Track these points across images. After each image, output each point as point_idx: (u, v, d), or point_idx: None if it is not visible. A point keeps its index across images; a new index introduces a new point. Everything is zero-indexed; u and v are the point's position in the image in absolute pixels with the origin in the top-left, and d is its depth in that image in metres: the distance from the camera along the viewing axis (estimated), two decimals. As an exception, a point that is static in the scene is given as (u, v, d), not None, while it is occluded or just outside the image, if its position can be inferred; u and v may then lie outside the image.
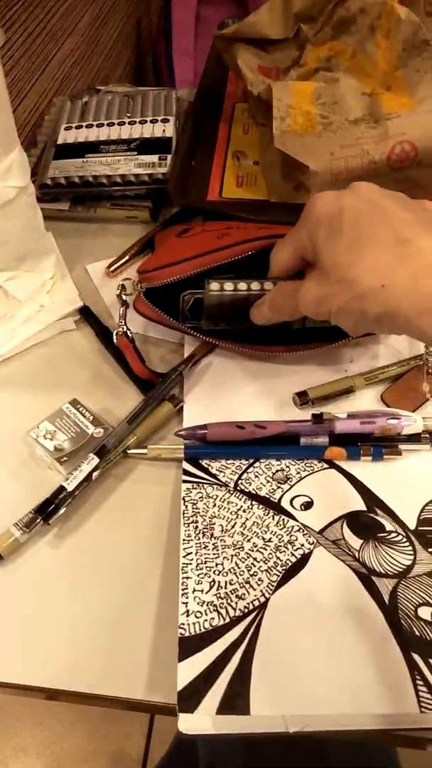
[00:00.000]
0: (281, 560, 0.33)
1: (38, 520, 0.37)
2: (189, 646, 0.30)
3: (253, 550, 0.34)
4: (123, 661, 0.33)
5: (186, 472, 0.38)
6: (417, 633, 0.30)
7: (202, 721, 0.28)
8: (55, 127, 0.64)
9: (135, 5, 1.03)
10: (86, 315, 0.49)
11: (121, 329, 0.46)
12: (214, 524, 0.35)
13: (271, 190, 0.52)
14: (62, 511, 0.37)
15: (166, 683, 0.31)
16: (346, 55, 0.56)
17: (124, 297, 0.47)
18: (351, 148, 0.48)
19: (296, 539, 0.34)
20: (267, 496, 0.36)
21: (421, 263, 0.30)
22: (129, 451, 0.40)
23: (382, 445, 0.38)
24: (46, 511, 0.37)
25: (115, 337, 0.46)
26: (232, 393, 0.42)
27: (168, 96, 0.65)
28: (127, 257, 0.54)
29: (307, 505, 0.36)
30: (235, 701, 0.28)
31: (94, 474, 0.38)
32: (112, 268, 0.53)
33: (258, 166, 0.56)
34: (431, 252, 0.30)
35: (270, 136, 0.50)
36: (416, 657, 0.30)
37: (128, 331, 0.46)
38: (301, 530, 0.35)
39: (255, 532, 0.35)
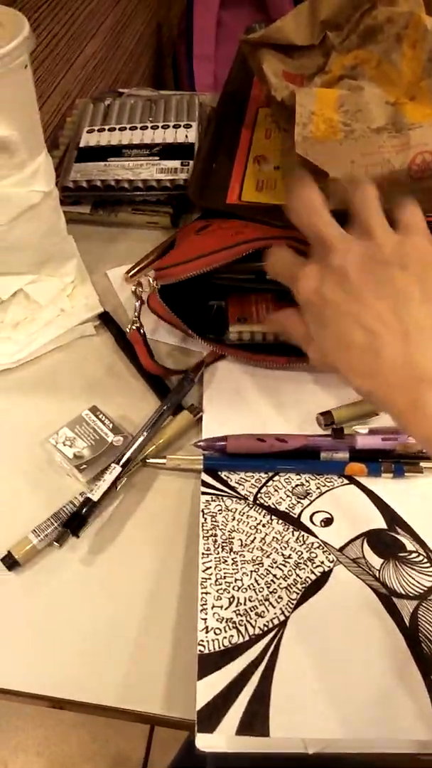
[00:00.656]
0: (301, 578, 0.33)
1: (68, 534, 0.36)
2: (208, 663, 0.29)
3: (272, 567, 0.33)
4: (138, 674, 0.32)
5: (205, 484, 0.37)
6: (439, 657, 0.30)
7: (220, 739, 0.27)
8: (78, 130, 0.63)
9: (156, 9, 1.02)
10: (106, 320, 0.49)
11: (134, 324, 0.45)
12: (233, 538, 0.34)
13: None
14: (89, 524, 0.37)
15: (182, 698, 0.31)
16: (371, 64, 0.55)
17: (139, 292, 0.46)
18: (372, 157, 0.47)
19: (316, 556, 0.33)
20: (287, 511, 0.36)
21: (394, 373, 0.29)
22: (148, 461, 0.39)
23: (403, 461, 0.37)
24: (74, 523, 0.36)
25: (128, 331, 0.45)
26: (253, 403, 0.41)
27: (191, 101, 0.65)
28: (145, 263, 0.53)
29: (327, 522, 0.35)
30: (255, 722, 0.27)
31: (119, 484, 0.38)
32: (130, 274, 0.52)
33: (279, 170, 0.55)
34: (396, 360, 0.29)
35: (291, 142, 0.49)
36: (438, 682, 0.29)
37: (141, 328, 0.45)
38: (320, 547, 0.34)
39: (274, 547, 0.34)
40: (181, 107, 0.64)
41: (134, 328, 0.44)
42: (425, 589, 0.32)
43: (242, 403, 0.41)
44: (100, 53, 0.81)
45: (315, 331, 0.33)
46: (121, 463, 0.38)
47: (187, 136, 0.60)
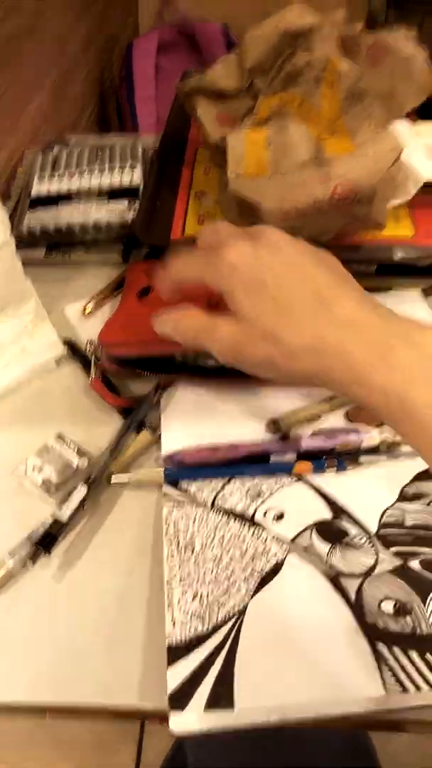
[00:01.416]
0: (257, 568, 0.37)
1: (40, 552, 0.40)
2: (176, 653, 0.33)
3: (231, 561, 0.37)
4: (113, 673, 0.36)
5: (166, 495, 0.42)
6: (381, 625, 0.34)
7: (191, 719, 0.31)
8: (28, 179, 0.69)
9: (98, 58, 1.11)
10: (72, 350, 0.54)
11: (92, 375, 0.50)
12: (194, 541, 0.39)
13: None
14: (60, 541, 0.41)
15: (156, 690, 0.34)
16: (294, 104, 0.62)
17: (93, 349, 0.51)
18: (298, 189, 0.53)
19: (270, 548, 0.38)
20: (242, 511, 0.40)
21: (345, 328, 0.31)
22: (113, 479, 0.44)
23: (344, 457, 0.42)
24: (46, 542, 0.40)
25: (89, 382, 0.50)
26: (207, 417, 0.46)
27: (134, 145, 0.71)
28: (100, 298, 0.58)
29: (279, 517, 0.40)
30: (221, 698, 0.31)
31: (85, 503, 0.42)
32: (87, 310, 0.57)
33: (218, 204, 0.61)
34: (352, 315, 0.32)
35: (227, 178, 0.55)
36: (381, 647, 0.33)
37: (100, 377, 0.50)
38: (274, 539, 0.38)
39: (233, 543, 0.38)
40: (125, 151, 0.71)
41: (95, 378, 0.49)
42: (368, 566, 0.37)
43: (197, 420, 0.46)
44: (47, 104, 0.88)
45: (241, 298, 0.33)
46: (86, 483, 0.43)
47: (132, 178, 0.66)
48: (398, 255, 0.53)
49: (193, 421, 0.46)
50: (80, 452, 0.45)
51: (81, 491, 0.42)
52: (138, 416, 0.46)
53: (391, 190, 0.55)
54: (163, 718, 0.34)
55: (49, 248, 0.64)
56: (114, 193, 0.65)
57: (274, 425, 0.45)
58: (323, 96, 0.62)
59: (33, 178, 0.68)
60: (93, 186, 0.66)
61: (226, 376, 0.48)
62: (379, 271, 0.54)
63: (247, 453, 0.43)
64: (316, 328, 0.32)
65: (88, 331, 0.56)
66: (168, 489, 0.42)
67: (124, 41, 1.25)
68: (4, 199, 0.70)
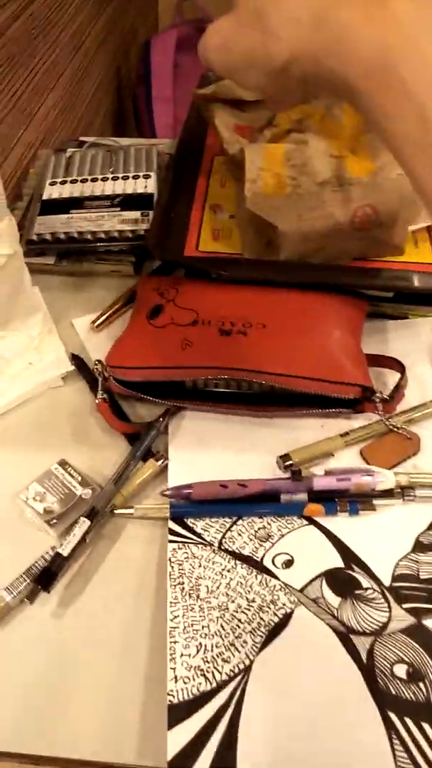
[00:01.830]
0: (264, 620, 0.34)
1: (39, 590, 0.37)
2: (178, 713, 0.30)
3: (237, 611, 0.34)
4: (110, 725, 0.33)
5: (172, 532, 0.39)
6: (393, 691, 0.31)
7: (192, 789, 0.28)
8: (41, 182, 0.65)
9: (115, 55, 1.05)
10: (79, 367, 0.50)
11: (99, 396, 0.46)
12: (200, 585, 0.36)
13: (244, 245, 0.54)
14: (60, 578, 0.38)
15: (154, 746, 0.31)
16: (315, 118, 0.58)
17: (101, 369, 0.47)
18: (317, 210, 0.49)
19: (278, 599, 0.35)
20: (250, 554, 0.37)
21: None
22: (116, 511, 0.41)
23: (358, 500, 0.39)
24: (45, 579, 0.37)
25: (96, 403, 0.46)
26: (216, 450, 0.43)
27: (149, 151, 0.67)
28: (110, 312, 0.54)
29: (288, 563, 0.37)
30: (223, 768, 0.29)
31: (87, 537, 0.39)
32: (96, 324, 0.54)
33: (233, 219, 0.57)
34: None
35: (244, 193, 0.52)
36: (392, 715, 0.30)
37: (106, 399, 0.46)
38: (282, 589, 0.35)
39: (239, 592, 0.35)
40: (140, 157, 0.66)
41: (101, 399, 0.45)
42: (380, 624, 0.34)
43: (206, 450, 0.43)
44: (61, 103, 0.83)
45: None
46: (89, 516, 0.39)
47: (146, 187, 0.62)
48: (416, 282, 0.49)
49: (201, 453, 0.43)
50: (84, 482, 0.42)
51: (83, 525, 0.39)
52: (144, 444, 0.43)
53: (413, 214, 0.51)
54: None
55: (59, 256, 0.60)
56: (127, 202, 0.61)
57: (285, 459, 0.42)
58: (345, 111, 0.58)
59: (45, 181, 0.64)
60: (106, 193, 0.62)
61: (235, 402, 0.45)
62: (396, 298, 0.50)
63: (258, 491, 0.39)
64: (300, 7, 0.26)
65: (97, 345, 0.52)
66: (173, 525, 0.39)
67: (142, 37, 1.19)
68: (15, 200, 0.66)
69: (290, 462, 0.41)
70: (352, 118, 0.56)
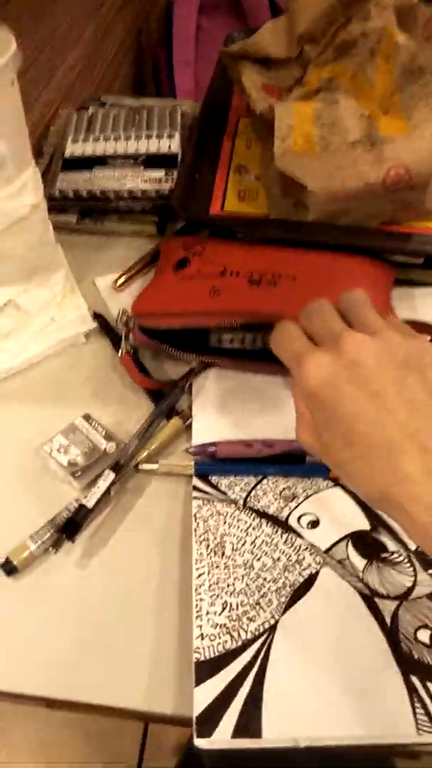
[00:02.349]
0: (290, 580, 0.32)
1: (63, 540, 0.35)
2: (204, 670, 0.28)
3: (263, 570, 0.32)
4: (128, 673, 0.31)
5: (196, 488, 0.36)
6: (416, 656, 0.29)
7: (217, 744, 0.26)
8: (62, 139, 0.60)
9: (136, 16, 0.98)
10: (102, 325, 0.47)
11: (124, 349, 0.43)
12: (224, 543, 0.33)
13: (270, 206, 0.50)
14: (84, 528, 0.35)
15: (172, 694, 0.30)
16: (346, 77, 0.53)
17: (125, 319, 0.44)
18: (348, 170, 0.45)
19: (304, 558, 0.33)
20: (275, 514, 0.35)
21: (407, 484, 0.24)
22: (141, 466, 0.38)
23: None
24: (70, 529, 0.35)
25: (119, 355, 0.43)
26: (240, 409, 0.40)
27: (173, 111, 0.62)
28: (133, 272, 0.51)
29: (314, 524, 0.34)
30: (249, 725, 0.27)
31: (112, 490, 0.36)
32: (118, 283, 0.50)
33: (259, 181, 0.53)
34: (416, 470, 0.24)
35: (271, 153, 0.48)
36: (415, 680, 0.28)
37: (131, 352, 0.43)
38: (308, 549, 0.33)
39: (264, 550, 0.33)
40: (164, 117, 0.62)
41: (125, 352, 0.42)
42: (406, 589, 0.32)
43: (230, 409, 0.40)
44: (82, 62, 0.78)
45: (321, 423, 0.27)
46: (114, 469, 0.37)
47: (170, 146, 0.58)
48: (449, 248, 0.46)
49: (225, 412, 0.40)
50: (108, 436, 0.40)
51: (108, 478, 0.37)
52: (168, 402, 0.40)
53: (447, 177, 0.47)
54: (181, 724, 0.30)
55: (82, 214, 0.56)
56: (151, 161, 0.56)
57: None
58: (378, 70, 0.53)
59: (67, 139, 0.60)
60: (129, 152, 0.58)
61: (261, 360, 0.42)
62: (426, 264, 0.47)
63: (283, 451, 0.37)
64: (382, 482, 0.25)
65: (119, 305, 0.49)
66: (198, 482, 0.37)
67: None
68: (36, 157, 0.61)
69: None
70: (385, 77, 0.51)
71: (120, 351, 0.43)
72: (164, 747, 0.85)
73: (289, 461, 0.37)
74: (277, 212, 0.49)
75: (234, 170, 0.53)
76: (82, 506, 0.36)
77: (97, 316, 0.47)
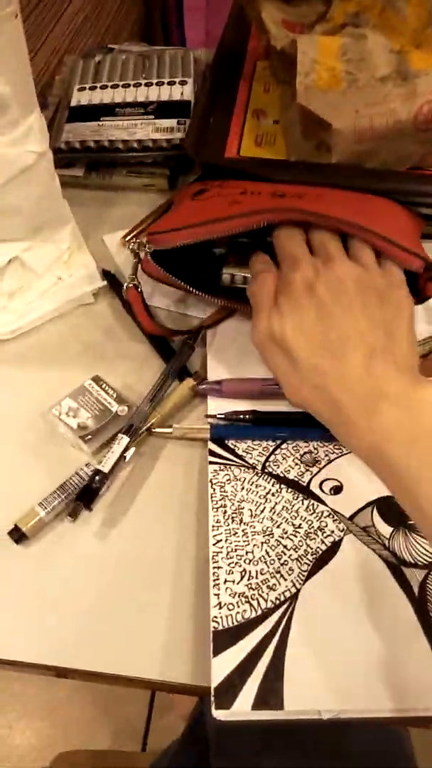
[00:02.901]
0: (311, 548, 0.30)
1: (81, 507, 0.33)
2: (223, 639, 0.27)
3: (283, 537, 0.31)
4: (143, 642, 0.30)
5: (212, 453, 0.34)
6: (449, 626, 0.28)
7: (236, 715, 0.25)
8: (68, 88, 0.57)
9: (145, -42, 0.92)
10: (111, 282, 0.45)
11: (131, 282, 0.40)
12: (242, 509, 0.32)
13: (290, 150, 0.47)
14: (102, 495, 0.34)
15: (181, 663, 0.29)
16: (374, 11, 0.49)
17: (137, 250, 0.41)
18: (377, 107, 0.42)
19: (326, 525, 0.31)
20: (296, 479, 0.33)
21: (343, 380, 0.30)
22: (155, 430, 0.36)
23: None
24: (86, 496, 0.33)
25: (124, 290, 0.41)
26: (256, 365, 0.38)
27: (185, 57, 0.58)
28: (142, 227, 0.48)
29: (337, 490, 0.32)
30: (269, 697, 0.25)
31: (127, 454, 0.35)
32: (127, 239, 0.48)
33: (278, 125, 0.50)
34: (358, 368, 0.30)
35: (292, 94, 0.44)
36: (448, 650, 0.27)
37: (138, 286, 0.41)
38: (330, 516, 0.31)
39: (284, 517, 0.31)
40: (176, 63, 0.58)
41: (131, 286, 0.40)
42: (435, 557, 0.30)
43: (246, 366, 0.38)
44: (88, 6, 0.73)
45: (286, 310, 0.32)
46: (127, 432, 0.35)
47: (182, 93, 0.54)
48: None
49: (241, 369, 0.38)
50: (119, 399, 0.38)
51: (122, 442, 0.35)
52: (180, 359, 0.38)
53: None
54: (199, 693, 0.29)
55: (89, 168, 0.53)
56: (162, 110, 0.53)
57: None
58: (409, 2, 0.48)
59: (73, 88, 0.56)
60: (139, 100, 0.54)
61: None
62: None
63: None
64: (323, 374, 0.30)
65: (128, 262, 0.46)
66: (214, 447, 0.35)
67: None
68: (41, 108, 0.58)
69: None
70: (417, 10, 0.47)
71: (125, 286, 0.40)
72: (171, 706, 0.86)
73: (309, 425, 0.35)
74: (298, 155, 0.46)
75: (251, 114, 0.50)
76: (97, 471, 0.34)
77: (107, 274, 0.45)
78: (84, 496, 0.34)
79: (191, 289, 0.38)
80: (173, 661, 0.29)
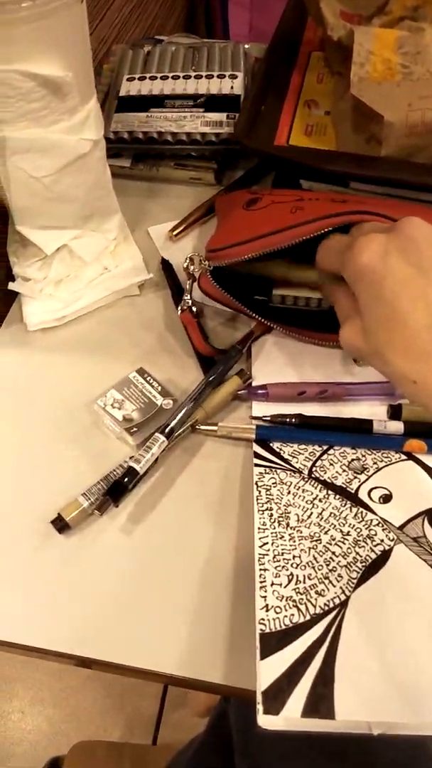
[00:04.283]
0: (361, 556, 0.30)
1: (109, 502, 0.33)
2: (270, 643, 0.27)
3: (331, 543, 0.30)
4: (166, 638, 0.30)
5: (257, 455, 0.34)
6: None
7: (284, 722, 0.25)
8: (116, 78, 0.57)
9: None
10: (166, 272, 0.44)
11: (185, 304, 0.40)
12: (289, 513, 0.31)
13: (340, 141, 0.46)
14: (130, 493, 0.34)
15: (234, 668, 0.28)
16: (436, 6, 0.48)
17: (191, 270, 0.41)
18: (430, 100, 0.41)
19: (375, 534, 0.30)
20: (343, 485, 0.32)
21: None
22: (199, 427, 0.36)
23: (465, 439, 0.33)
24: (115, 492, 0.33)
25: (179, 311, 0.41)
26: (301, 376, 0.37)
27: (236, 50, 0.57)
28: (191, 220, 0.48)
29: (386, 498, 0.32)
30: (320, 704, 0.25)
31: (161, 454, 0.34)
32: (175, 232, 0.47)
33: (329, 116, 0.49)
34: None
35: (345, 86, 0.43)
36: None
37: (193, 307, 0.41)
38: (380, 525, 0.31)
39: (332, 523, 0.31)
40: (226, 56, 0.57)
41: (186, 309, 0.39)
42: None
43: (290, 370, 0.38)
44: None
45: (365, 304, 0.28)
46: (165, 432, 0.35)
47: (232, 87, 0.53)
48: None
49: (286, 378, 0.37)
50: (164, 392, 0.37)
51: (161, 444, 0.34)
52: (222, 370, 0.38)
53: None
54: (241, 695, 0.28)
55: (136, 159, 0.53)
56: (211, 103, 0.52)
57: (393, 411, 0.36)
58: (473, 0, 0.47)
59: (122, 77, 0.56)
60: (188, 92, 0.53)
61: (324, 331, 0.39)
62: None
63: (335, 396, 0.34)
64: (420, 358, 0.26)
65: (174, 255, 0.46)
66: (258, 448, 0.34)
67: None
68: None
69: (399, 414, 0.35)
70: None
71: (180, 307, 0.40)
72: (184, 701, 0.86)
73: (356, 431, 0.34)
74: (347, 148, 0.45)
75: (302, 104, 0.49)
76: (131, 470, 0.34)
77: (164, 262, 0.44)
78: (113, 491, 0.33)
79: (247, 310, 0.37)
80: (202, 660, 0.29)
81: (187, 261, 0.41)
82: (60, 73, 0.33)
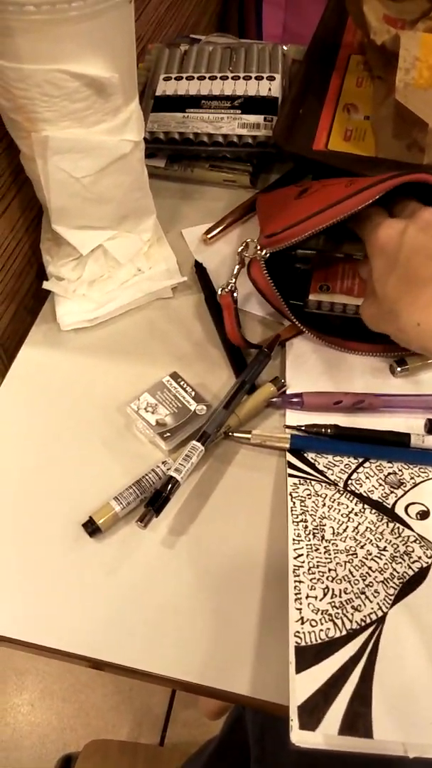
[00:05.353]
0: (398, 572, 0.29)
1: (151, 513, 0.33)
2: (306, 657, 0.26)
3: (367, 558, 0.30)
4: (191, 647, 0.30)
5: (291, 465, 0.34)
6: None
7: (319, 739, 0.25)
8: (153, 77, 0.57)
9: None
10: (200, 274, 0.44)
11: (229, 287, 0.39)
12: (324, 526, 0.31)
13: (380, 147, 0.45)
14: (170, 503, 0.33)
15: (265, 680, 0.28)
16: None
17: (243, 255, 0.40)
18: None
19: (413, 551, 0.30)
20: (380, 500, 0.32)
21: None
22: (233, 434, 0.36)
23: None
24: (157, 503, 0.33)
25: (219, 292, 0.39)
26: (335, 380, 0.37)
27: (274, 51, 0.57)
28: (225, 224, 0.48)
29: (424, 515, 0.31)
30: (357, 723, 0.25)
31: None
32: (210, 235, 0.47)
33: (369, 121, 0.48)
34: None
35: (386, 91, 0.43)
36: None
37: (235, 291, 0.39)
38: (417, 541, 0.30)
39: (368, 538, 0.31)
40: (263, 58, 0.57)
41: (227, 291, 0.39)
42: None
43: (326, 378, 0.37)
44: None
45: (380, 276, 0.31)
46: (200, 439, 0.35)
47: (270, 89, 0.53)
48: None
49: (320, 383, 0.37)
50: (197, 397, 0.37)
51: (199, 452, 0.34)
52: (256, 370, 0.37)
53: None
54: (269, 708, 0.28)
55: (171, 159, 0.53)
56: (248, 105, 0.52)
57: (400, 364, 0.36)
58: None
59: (158, 77, 0.56)
60: (225, 93, 0.53)
61: (355, 339, 0.38)
62: None
63: (372, 406, 0.34)
64: (426, 307, 0.30)
65: (208, 258, 0.46)
66: (292, 459, 0.34)
67: None
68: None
69: (405, 363, 0.36)
70: None
71: (222, 288, 0.39)
72: (193, 703, 0.86)
73: (392, 443, 0.34)
74: (387, 153, 0.44)
75: (342, 108, 0.49)
76: (171, 479, 0.33)
77: (198, 266, 0.44)
78: (154, 502, 0.33)
79: (286, 309, 0.37)
80: (226, 669, 0.29)
81: (243, 246, 0.40)
82: (106, 73, 0.33)
